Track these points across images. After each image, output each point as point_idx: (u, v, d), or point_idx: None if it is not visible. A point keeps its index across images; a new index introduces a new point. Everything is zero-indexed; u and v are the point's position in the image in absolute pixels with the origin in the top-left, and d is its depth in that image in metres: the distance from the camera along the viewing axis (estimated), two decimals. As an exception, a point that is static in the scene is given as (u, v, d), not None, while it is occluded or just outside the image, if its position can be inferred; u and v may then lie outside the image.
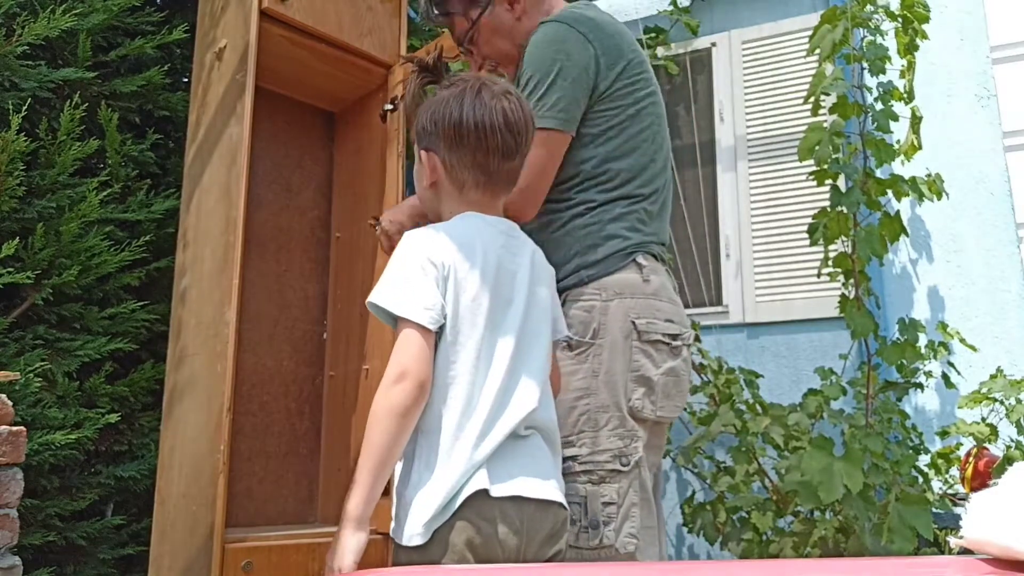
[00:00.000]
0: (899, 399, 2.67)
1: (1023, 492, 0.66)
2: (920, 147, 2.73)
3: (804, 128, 2.66)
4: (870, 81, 2.74)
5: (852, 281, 2.52)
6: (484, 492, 1.21)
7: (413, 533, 1.23)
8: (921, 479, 2.51)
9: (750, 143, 3.49)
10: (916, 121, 2.72)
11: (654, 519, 1.52)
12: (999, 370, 2.53)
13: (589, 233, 1.55)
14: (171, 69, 2.56)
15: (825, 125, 2.51)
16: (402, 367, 1.22)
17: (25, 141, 2.06)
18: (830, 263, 2.57)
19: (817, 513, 2.47)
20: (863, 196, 2.47)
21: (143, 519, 2.22)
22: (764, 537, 2.57)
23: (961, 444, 2.62)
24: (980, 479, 2.37)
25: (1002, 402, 2.49)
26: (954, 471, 2.61)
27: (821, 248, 2.59)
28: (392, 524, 1.28)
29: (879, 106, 2.57)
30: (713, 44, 3.63)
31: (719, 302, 3.44)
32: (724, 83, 3.58)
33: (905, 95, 2.66)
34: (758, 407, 2.75)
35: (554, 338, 1.40)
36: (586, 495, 1.43)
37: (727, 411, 2.67)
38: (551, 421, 1.33)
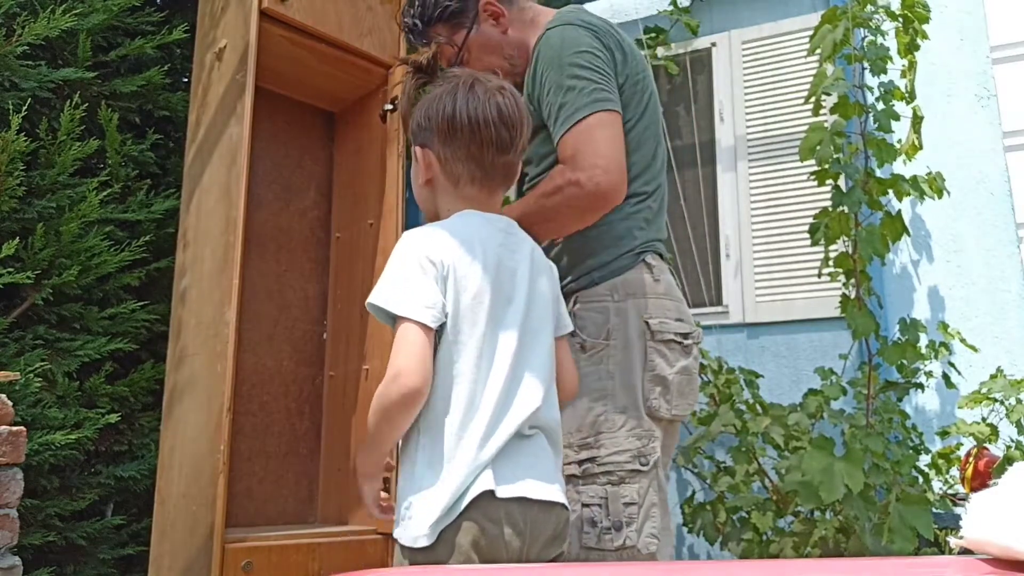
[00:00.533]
0: (900, 399, 2.66)
1: (1023, 492, 0.66)
2: (921, 147, 2.73)
3: (804, 128, 2.65)
4: (871, 81, 2.74)
5: (853, 281, 2.52)
6: (490, 493, 1.20)
7: (419, 535, 1.21)
8: (921, 479, 2.51)
9: (750, 143, 3.49)
10: (917, 121, 2.71)
11: (668, 519, 1.52)
12: (999, 370, 2.53)
13: (598, 234, 1.54)
14: (171, 69, 2.56)
15: (826, 125, 2.51)
16: (397, 367, 1.21)
17: (25, 141, 2.06)
18: (831, 263, 2.57)
19: (817, 513, 2.47)
20: (864, 196, 2.47)
21: (143, 519, 2.23)
22: (764, 537, 2.57)
23: (961, 444, 2.61)
24: (980, 479, 2.37)
25: (1002, 402, 2.49)
26: (954, 471, 2.61)
27: (821, 248, 2.59)
28: (395, 525, 1.27)
29: (880, 106, 2.57)
30: (713, 44, 3.63)
31: (719, 302, 3.44)
32: (724, 83, 3.58)
33: (906, 95, 2.66)
34: (758, 407, 2.75)
35: (558, 334, 1.38)
36: (607, 496, 1.43)
37: (727, 411, 2.67)
38: (555, 420, 1.31)
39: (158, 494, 2.02)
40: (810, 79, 2.69)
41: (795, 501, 2.46)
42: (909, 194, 2.57)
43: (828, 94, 2.56)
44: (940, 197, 2.66)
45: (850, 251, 2.51)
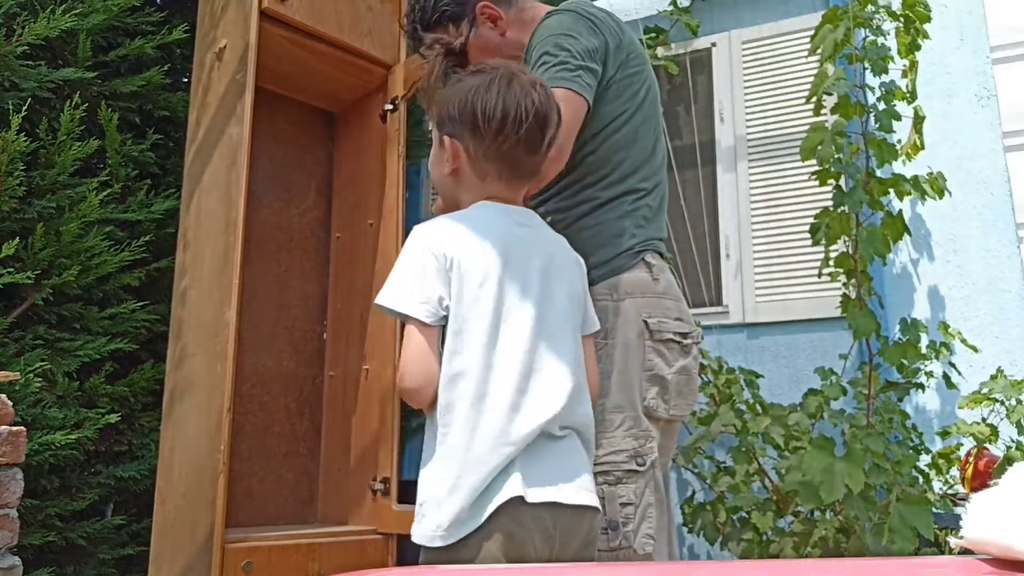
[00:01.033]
0: (900, 399, 2.66)
1: (1023, 492, 0.66)
2: (923, 147, 2.73)
3: (804, 128, 2.65)
4: (871, 81, 2.74)
5: (854, 281, 2.52)
6: (519, 499, 1.17)
7: (433, 534, 1.21)
8: (922, 479, 2.51)
9: (750, 143, 3.49)
10: (919, 121, 2.71)
11: (666, 519, 1.52)
12: (999, 370, 2.53)
13: (597, 232, 1.54)
14: (171, 69, 2.56)
15: (827, 125, 2.51)
16: (400, 368, 1.24)
17: (25, 141, 2.06)
18: (831, 263, 2.57)
19: (817, 513, 2.47)
20: (866, 196, 2.47)
21: (143, 519, 2.22)
22: (764, 537, 2.57)
23: (961, 444, 2.61)
24: (980, 479, 2.36)
25: (1002, 402, 2.49)
26: (954, 471, 2.61)
27: (821, 248, 2.59)
28: (414, 522, 1.25)
29: (881, 106, 2.57)
30: (713, 44, 3.63)
31: (719, 302, 3.44)
32: (724, 83, 3.58)
33: (908, 95, 2.66)
34: (758, 407, 2.75)
35: (584, 332, 1.35)
36: (603, 496, 1.42)
37: (727, 411, 2.67)
38: (587, 419, 1.28)
39: (158, 494, 2.02)
40: (810, 79, 2.69)
41: (795, 501, 2.46)
42: (910, 194, 2.57)
43: (829, 94, 2.56)
44: (941, 197, 2.66)
45: (851, 251, 2.51)
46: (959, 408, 2.63)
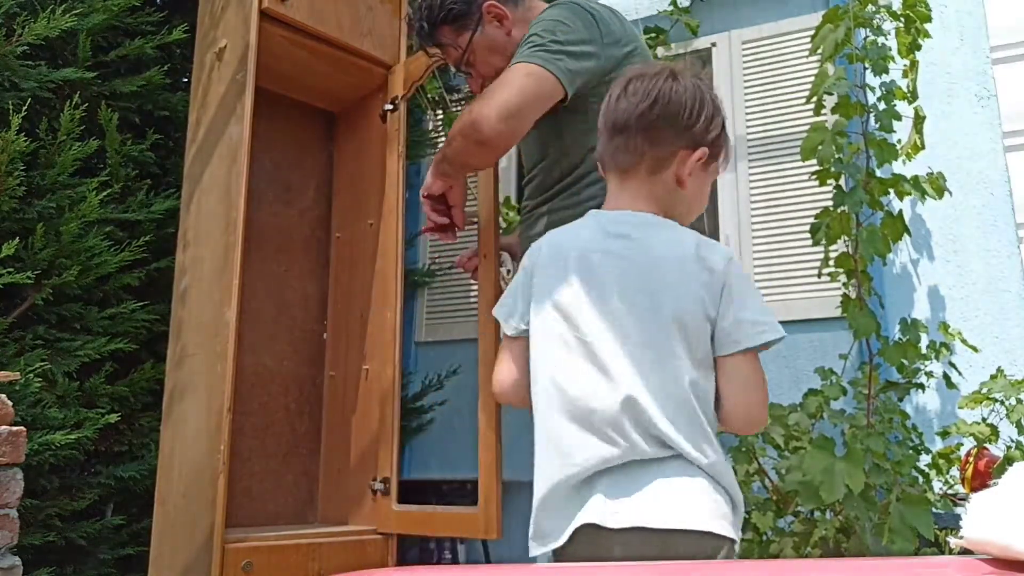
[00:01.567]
0: (900, 399, 2.66)
1: (1023, 492, 0.66)
2: (923, 147, 2.72)
3: (804, 128, 2.65)
4: (872, 81, 2.74)
5: (854, 281, 2.51)
6: (595, 526, 1.12)
7: (530, 543, 1.21)
8: (922, 479, 2.51)
9: (750, 143, 3.48)
10: (919, 121, 2.71)
11: None
12: (999, 370, 2.53)
13: None
14: (171, 69, 2.56)
15: (827, 125, 2.51)
16: (494, 375, 1.34)
17: (25, 141, 2.06)
18: (831, 263, 2.57)
19: (817, 513, 2.47)
20: (866, 196, 2.47)
21: (143, 519, 2.22)
22: (764, 537, 2.57)
23: (961, 444, 2.61)
24: (980, 479, 2.36)
25: (1002, 402, 2.49)
26: (954, 471, 2.61)
27: (821, 248, 2.59)
28: None
29: (882, 106, 2.57)
30: (713, 44, 3.63)
31: (719, 302, 3.44)
32: (724, 83, 3.57)
33: (908, 95, 2.66)
34: (758, 407, 2.75)
35: (721, 352, 1.18)
36: None
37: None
38: (688, 441, 1.14)
39: (158, 494, 2.02)
40: (810, 79, 2.68)
41: (795, 501, 2.46)
42: (910, 194, 2.57)
43: (830, 94, 2.56)
44: (941, 197, 2.66)
45: (851, 251, 2.51)
46: (959, 408, 2.62)
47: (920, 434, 2.61)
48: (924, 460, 2.59)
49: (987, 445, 2.47)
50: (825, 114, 2.59)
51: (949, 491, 2.61)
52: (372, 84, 2.47)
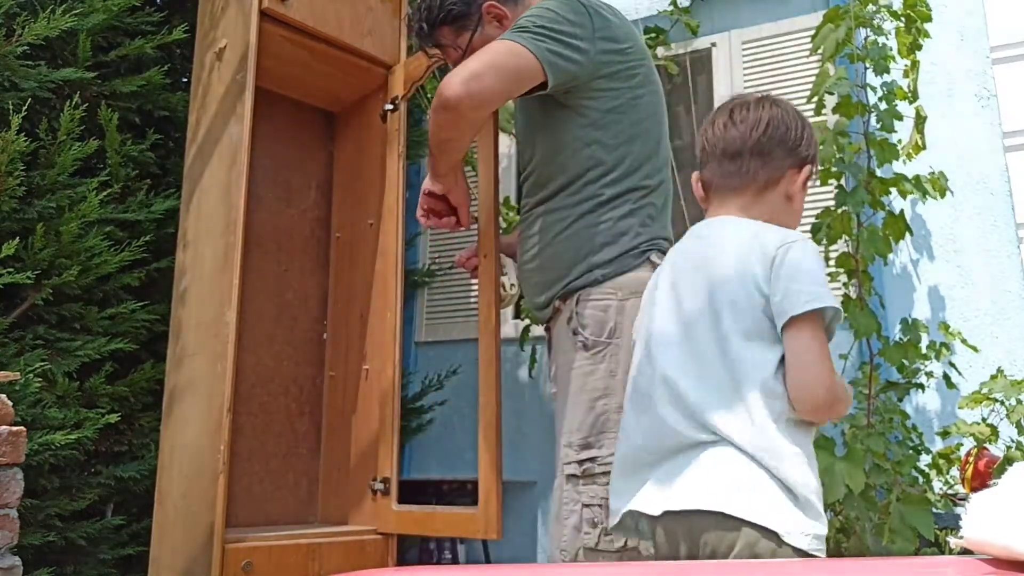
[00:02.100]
0: (900, 399, 2.66)
1: (1023, 492, 0.65)
2: (924, 146, 2.72)
3: (804, 128, 2.64)
4: (872, 80, 2.74)
5: (855, 281, 2.51)
6: (634, 512, 1.23)
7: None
8: (922, 479, 2.50)
9: (750, 143, 3.48)
10: (920, 120, 2.71)
11: None
12: (999, 370, 2.52)
13: (600, 231, 1.54)
14: (171, 69, 2.56)
15: (828, 125, 2.51)
16: None
17: (25, 141, 2.06)
18: (832, 263, 2.57)
19: (817, 513, 2.47)
20: (867, 196, 2.47)
21: (143, 519, 2.22)
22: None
23: (961, 444, 2.61)
24: (980, 479, 2.36)
25: (1002, 402, 2.49)
26: (954, 471, 2.60)
27: (821, 248, 2.59)
28: None
29: (883, 106, 2.57)
30: (713, 44, 3.63)
31: (719, 302, 3.44)
32: (724, 83, 3.57)
33: (909, 94, 2.66)
34: (758, 407, 2.75)
35: (780, 323, 1.18)
36: (607, 497, 1.43)
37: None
38: (740, 426, 1.15)
39: (158, 494, 2.02)
40: (810, 79, 2.68)
41: (795, 501, 2.45)
42: (912, 193, 2.57)
43: (831, 94, 2.56)
44: (943, 196, 2.66)
45: (852, 251, 2.51)
46: (959, 408, 2.62)
47: (920, 434, 2.61)
48: (924, 460, 2.59)
49: (987, 445, 2.47)
50: (826, 114, 2.59)
51: (949, 491, 2.61)
52: (372, 84, 2.47)
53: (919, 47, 2.63)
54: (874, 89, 2.69)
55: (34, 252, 2.10)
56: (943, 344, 2.76)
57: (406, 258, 2.58)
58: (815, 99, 2.58)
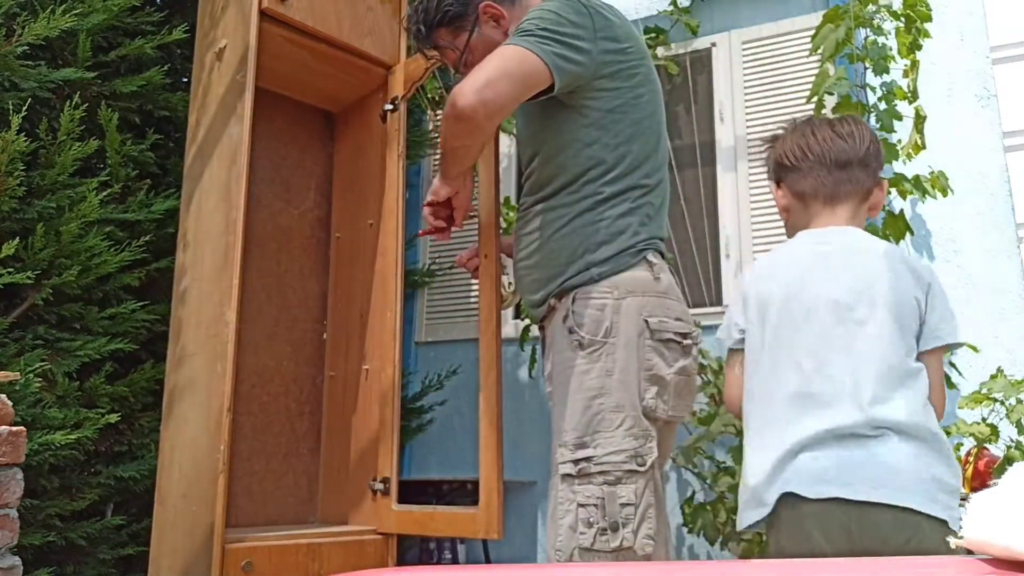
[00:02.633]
0: (900, 399, 2.66)
1: (1023, 492, 0.65)
2: (924, 146, 2.73)
3: (804, 128, 2.64)
4: (872, 80, 2.74)
5: (853, 281, 2.51)
6: (794, 495, 1.26)
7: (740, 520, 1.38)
8: (921, 479, 2.50)
9: (750, 143, 3.48)
10: (920, 120, 2.71)
11: (665, 520, 1.51)
12: (999, 370, 2.53)
13: (598, 229, 1.54)
14: (171, 69, 2.56)
15: (826, 125, 2.50)
16: (725, 385, 1.51)
17: (25, 141, 2.06)
18: (830, 263, 2.57)
19: (817, 513, 2.46)
20: (865, 196, 2.46)
21: (143, 519, 2.22)
22: (764, 537, 2.57)
23: (961, 444, 2.61)
24: (980, 479, 2.36)
25: (1002, 402, 2.49)
26: (954, 471, 2.61)
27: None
28: None
29: (883, 106, 2.57)
30: (713, 44, 3.63)
31: (719, 302, 3.43)
32: (724, 83, 3.57)
33: (909, 94, 2.66)
34: (758, 407, 2.75)
35: (927, 346, 1.36)
36: (603, 496, 1.42)
37: (727, 411, 2.67)
38: (909, 420, 1.27)
39: (158, 494, 2.02)
40: (810, 79, 2.68)
41: (795, 501, 2.45)
42: (912, 193, 2.57)
43: (830, 94, 2.56)
44: (945, 195, 2.67)
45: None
46: (959, 408, 2.62)
47: (920, 434, 2.61)
48: (924, 460, 2.58)
49: (987, 445, 2.47)
50: (826, 114, 2.59)
51: (949, 491, 2.61)
52: (372, 84, 2.47)
53: (919, 47, 2.63)
54: (874, 89, 2.70)
55: (34, 252, 2.10)
56: (943, 344, 2.74)
57: (406, 258, 2.58)
58: (815, 99, 2.58)
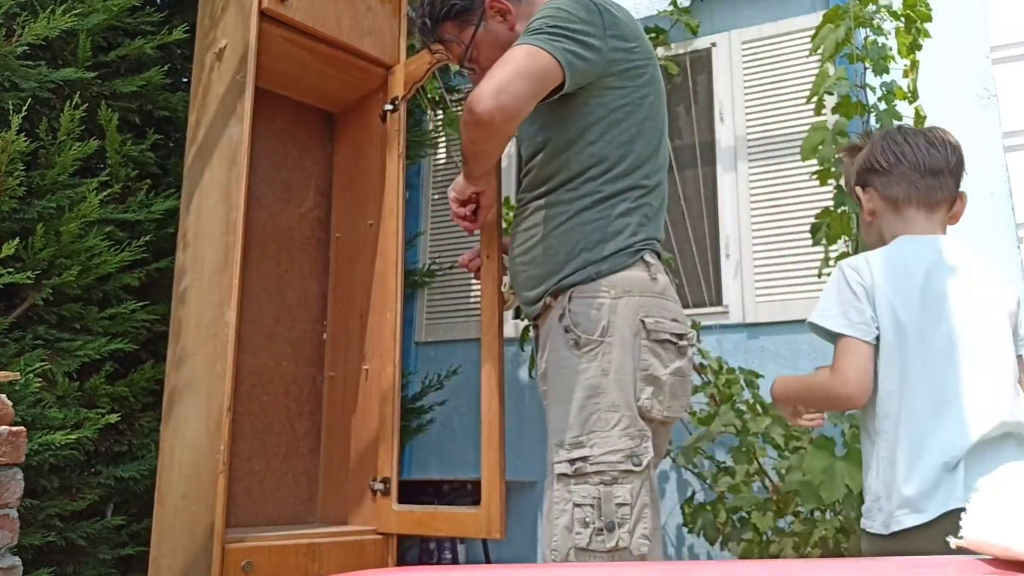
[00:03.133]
0: (900, 399, 2.66)
1: (1023, 492, 0.66)
2: (922, 147, 2.72)
3: (804, 128, 2.65)
4: (872, 80, 2.74)
5: (853, 281, 2.51)
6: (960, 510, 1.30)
7: (887, 523, 1.37)
8: (922, 479, 2.50)
9: (750, 143, 3.49)
10: (920, 120, 2.71)
11: (659, 520, 1.51)
12: (999, 370, 2.52)
13: (597, 228, 1.53)
14: (171, 69, 2.56)
15: (828, 125, 2.51)
16: (844, 376, 1.43)
17: (25, 141, 2.06)
18: (831, 263, 2.57)
19: (817, 513, 2.47)
20: (865, 196, 2.46)
21: (143, 519, 2.22)
22: (764, 537, 2.57)
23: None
24: (980, 479, 2.36)
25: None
26: (954, 471, 2.60)
27: (821, 248, 2.59)
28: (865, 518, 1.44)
29: (882, 106, 2.57)
30: (713, 44, 3.63)
31: (719, 302, 3.44)
32: (724, 83, 3.58)
33: (909, 94, 2.66)
34: (758, 407, 2.75)
35: (1020, 350, 1.47)
36: (599, 496, 1.42)
37: (727, 411, 2.67)
38: (1020, 424, 1.38)
39: (158, 494, 2.02)
40: (810, 79, 2.68)
41: (795, 501, 2.46)
42: (910, 194, 2.57)
43: (830, 94, 2.56)
44: (943, 196, 2.66)
45: (851, 251, 2.51)
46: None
47: (920, 434, 2.60)
48: (924, 460, 2.58)
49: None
50: (825, 114, 2.59)
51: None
52: (372, 84, 2.47)
53: (919, 47, 2.63)
54: (874, 89, 2.70)
55: (34, 252, 2.10)
56: (943, 344, 2.74)
57: (406, 258, 2.58)
58: (815, 99, 2.58)
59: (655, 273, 1.54)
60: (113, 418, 2.13)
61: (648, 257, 1.54)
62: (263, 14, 2.08)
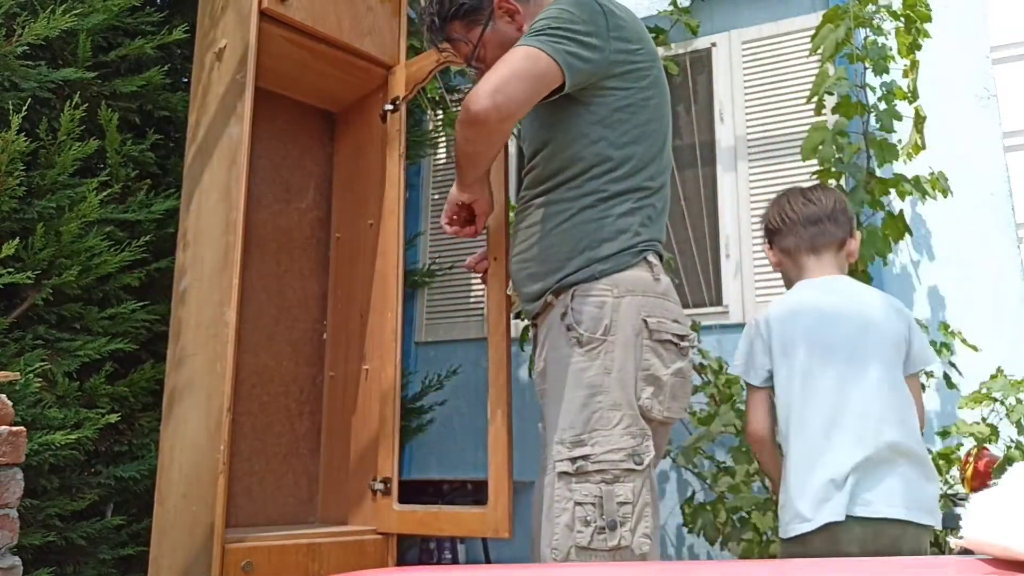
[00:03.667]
0: (900, 399, 2.66)
1: (1023, 492, 0.66)
2: (924, 147, 2.73)
3: (804, 128, 2.66)
4: (872, 80, 2.74)
5: (853, 281, 2.51)
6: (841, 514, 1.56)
7: (782, 528, 1.64)
8: (922, 479, 2.50)
9: (750, 143, 3.49)
10: (920, 120, 2.71)
11: (658, 520, 1.51)
12: (999, 370, 2.53)
13: (600, 227, 1.53)
14: (171, 69, 2.56)
15: (827, 125, 2.51)
16: (749, 419, 1.79)
17: (25, 141, 2.06)
18: (830, 263, 2.57)
19: (817, 513, 2.46)
20: (867, 196, 2.47)
21: (143, 519, 2.22)
22: (764, 537, 2.57)
23: (961, 444, 2.61)
24: (980, 479, 2.36)
25: (1002, 402, 2.49)
26: (955, 471, 2.61)
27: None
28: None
29: (882, 106, 2.57)
30: (713, 44, 3.63)
31: (719, 302, 3.44)
32: (724, 83, 3.58)
33: (909, 94, 2.66)
34: (758, 407, 2.75)
35: (912, 370, 1.70)
36: (601, 495, 1.42)
37: (727, 411, 2.67)
38: (907, 443, 1.61)
39: (158, 494, 2.02)
40: (810, 79, 2.68)
41: (795, 501, 2.45)
42: (911, 194, 2.57)
43: (830, 94, 2.57)
44: (945, 196, 2.67)
45: (850, 251, 2.51)
46: (959, 408, 2.62)
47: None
48: (924, 460, 2.59)
49: (987, 445, 2.47)
50: (825, 114, 2.59)
51: (949, 491, 2.61)
52: (372, 84, 2.47)
53: (919, 47, 2.63)
54: (874, 89, 2.70)
55: (34, 252, 2.10)
56: (943, 344, 2.76)
57: (406, 258, 2.58)
58: (815, 99, 2.58)
59: (658, 274, 1.54)
60: (113, 418, 2.13)
61: (651, 258, 1.54)
62: (263, 14, 2.08)
